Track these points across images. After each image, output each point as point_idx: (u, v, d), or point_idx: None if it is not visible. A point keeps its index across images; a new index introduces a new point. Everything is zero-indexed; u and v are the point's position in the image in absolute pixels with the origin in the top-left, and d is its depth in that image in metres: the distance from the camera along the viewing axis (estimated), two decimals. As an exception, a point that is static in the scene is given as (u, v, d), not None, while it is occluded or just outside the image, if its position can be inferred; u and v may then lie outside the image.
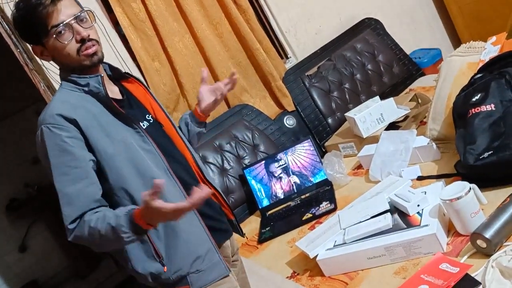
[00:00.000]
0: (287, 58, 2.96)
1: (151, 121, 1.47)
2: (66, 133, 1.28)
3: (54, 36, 1.31)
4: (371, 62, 2.91)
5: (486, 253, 1.28)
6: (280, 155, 2.31)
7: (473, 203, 1.38)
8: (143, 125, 1.43)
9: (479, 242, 1.29)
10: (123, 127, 1.36)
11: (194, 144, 1.68)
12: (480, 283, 1.19)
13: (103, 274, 3.99)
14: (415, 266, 1.41)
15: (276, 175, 2.29)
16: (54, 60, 1.38)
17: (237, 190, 2.35)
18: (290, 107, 2.71)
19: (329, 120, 2.71)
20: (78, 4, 1.39)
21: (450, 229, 1.47)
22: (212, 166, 2.36)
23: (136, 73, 2.43)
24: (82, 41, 1.33)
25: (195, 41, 2.54)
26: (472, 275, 1.23)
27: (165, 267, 1.34)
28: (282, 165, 2.29)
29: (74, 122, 1.29)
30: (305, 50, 2.92)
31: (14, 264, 4.08)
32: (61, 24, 1.31)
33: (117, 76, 1.50)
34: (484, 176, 1.55)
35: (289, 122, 2.69)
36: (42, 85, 2.17)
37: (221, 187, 2.32)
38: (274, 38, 2.91)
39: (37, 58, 2.17)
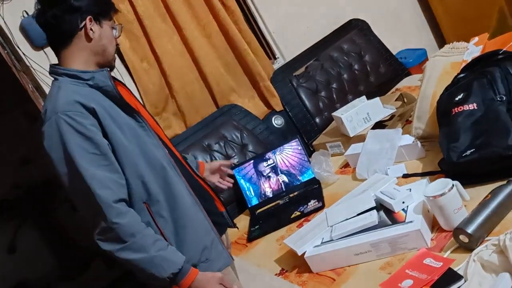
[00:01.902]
0: (275, 58, 2.99)
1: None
2: (88, 121, 1.29)
3: (114, 26, 1.44)
4: (358, 62, 2.95)
5: (468, 248, 1.32)
6: (269, 155, 2.33)
7: (456, 199, 1.42)
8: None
9: (461, 237, 1.32)
10: (130, 120, 1.39)
11: None
12: (462, 277, 1.22)
13: (93, 275, 3.98)
14: (400, 261, 1.45)
15: (264, 174, 2.31)
16: (90, 42, 1.38)
17: (226, 189, 2.36)
18: (278, 107, 2.74)
19: (317, 120, 2.74)
20: None
21: (434, 225, 1.50)
22: (201, 166, 2.37)
23: (124, 73, 2.44)
24: (117, 46, 1.48)
25: (183, 42, 2.56)
26: (455, 269, 1.27)
27: None
28: (271, 164, 2.32)
29: (92, 111, 1.30)
30: (292, 51, 2.95)
31: (2, 265, 4.05)
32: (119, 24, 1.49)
33: None
34: (466, 173, 1.59)
35: (277, 121, 2.72)
36: (30, 86, 2.17)
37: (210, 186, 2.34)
38: (262, 39, 2.93)
39: (25, 60, 2.19)
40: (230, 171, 1.91)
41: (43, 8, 1.38)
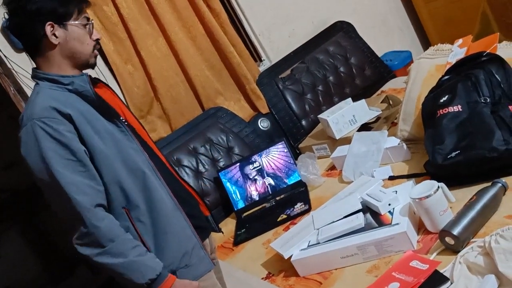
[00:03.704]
0: (260, 61, 2.98)
1: (125, 124, 1.46)
2: (63, 127, 1.27)
3: (83, 24, 1.36)
4: (344, 64, 2.95)
5: (454, 250, 1.32)
6: (255, 157, 2.32)
7: (442, 201, 1.42)
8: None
9: (447, 239, 1.32)
10: (110, 125, 1.36)
11: None
12: (448, 279, 1.22)
13: (78, 281, 3.94)
14: (387, 264, 1.44)
15: (251, 177, 2.30)
16: (56, 48, 1.34)
17: (213, 192, 2.36)
18: (264, 109, 2.73)
19: (303, 122, 2.74)
20: None
21: (420, 227, 1.50)
22: (187, 169, 2.35)
23: (109, 76, 2.41)
24: (97, 42, 1.41)
25: (168, 44, 2.54)
26: (441, 271, 1.26)
27: None
28: (257, 167, 2.31)
29: (68, 117, 1.28)
30: (278, 53, 2.95)
31: (-14, 271, 3.99)
32: (91, 19, 1.40)
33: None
34: (452, 175, 1.59)
35: (264, 124, 2.71)
36: (12, 89, 2.14)
37: (196, 189, 2.31)
38: (247, 41, 2.93)
39: (7, 62, 2.15)
40: None
41: (9, 16, 1.36)
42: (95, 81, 1.51)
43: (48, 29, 1.32)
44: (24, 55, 2.20)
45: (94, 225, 1.25)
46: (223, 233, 1.77)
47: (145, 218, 1.36)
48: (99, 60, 2.40)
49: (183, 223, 1.41)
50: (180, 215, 1.42)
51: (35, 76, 1.38)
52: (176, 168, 1.65)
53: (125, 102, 2.39)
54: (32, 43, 1.35)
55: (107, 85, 1.55)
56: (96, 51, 1.42)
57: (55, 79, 1.34)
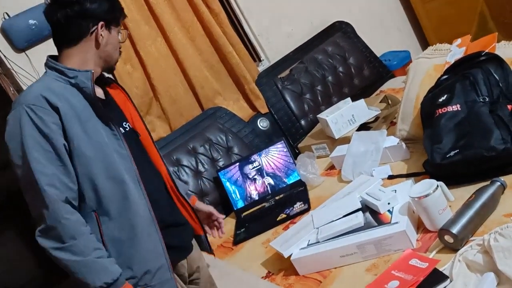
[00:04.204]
0: (259, 61, 2.99)
1: (127, 129, 1.47)
2: (49, 117, 1.27)
3: (120, 31, 1.45)
4: (342, 64, 2.96)
5: (453, 248, 1.32)
6: (254, 157, 2.33)
7: (441, 200, 1.42)
8: (120, 131, 1.42)
9: (446, 237, 1.33)
10: (102, 127, 1.36)
11: None
12: (447, 277, 1.22)
13: (74, 283, 3.93)
14: (386, 262, 1.45)
15: (250, 176, 2.31)
16: (98, 47, 1.40)
17: (212, 192, 2.36)
18: (264, 109, 2.73)
19: (302, 122, 2.75)
20: None
21: (419, 226, 1.51)
22: (186, 169, 2.36)
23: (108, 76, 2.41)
24: (120, 50, 1.48)
25: (167, 45, 2.54)
26: (440, 269, 1.27)
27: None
28: (256, 166, 2.31)
29: (56, 109, 1.28)
30: (277, 53, 2.95)
31: (-18, 273, 3.98)
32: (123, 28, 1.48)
33: (101, 79, 1.51)
34: (450, 174, 1.60)
35: (263, 124, 2.72)
36: (11, 89, 2.14)
37: (196, 189, 2.33)
38: (246, 41, 2.93)
39: (6, 62, 2.16)
40: (220, 220, 1.78)
41: (55, 5, 1.38)
42: (109, 81, 1.54)
43: (99, 28, 1.38)
44: (23, 55, 2.20)
45: (58, 220, 1.24)
46: (214, 255, 1.74)
47: (113, 225, 1.33)
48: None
49: (154, 241, 1.37)
50: (154, 231, 1.37)
51: (46, 64, 1.40)
52: (178, 183, 1.62)
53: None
54: (72, 36, 1.38)
55: (122, 88, 1.57)
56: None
57: (62, 70, 1.36)
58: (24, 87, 2.17)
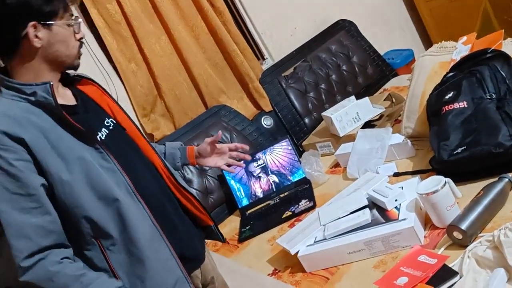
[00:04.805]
0: (263, 59, 2.99)
1: (111, 127, 1.32)
2: (13, 155, 1.10)
3: (69, 23, 1.20)
4: (346, 63, 2.96)
5: (462, 244, 1.32)
6: (259, 155, 2.33)
7: (449, 196, 1.42)
8: (102, 135, 1.27)
9: (455, 233, 1.33)
10: (78, 143, 1.18)
11: None
12: (457, 273, 1.22)
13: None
14: (394, 259, 1.45)
15: (255, 174, 2.31)
16: (38, 51, 1.17)
17: (216, 190, 2.36)
18: (267, 107, 2.73)
19: (306, 120, 2.75)
20: None
21: (427, 223, 1.51)
22: (191, 167, 2.35)
23: (112, 74, 2.41)
24: (81, 41, 1.26)
25: (171, 43, 2.54)
26: (450, 265, 1.27)
27: None
28: (261, 164, 2.31)
29: (21, 142, 1.11)
30: (281, 52, 2.95)
31: (-14, 272, 3.97)
32: (77, 17, 1.24)
33: (69, 79, 1.33)
34: (457, 171, 1.60)
35: (267, 122, 2.72)
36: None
37: (200, 187, 2.33)
38: (250, 40, 2.93)
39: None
40: (232, 150, 1.65)
41: None
42: (78, 79, 1.35)
43: (31, 30, 1.15)
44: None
45: (33, 279, 1.13)
46: (228, 243, 1.63)
47: (117, 248, 1.20)
48: (103, 58, 2.40)
49: (165, 254, 1.25)
50: (163, 244, 1.26)
51: (1, 82, 1.18)
52: (177, 173, 1.50)
53: (128, 101, 2.42)
54: (7, 44, 1.16)
55: (94, 81, 1.39)
56: (81, 51, 1.27)
57: (18, 88, 1.16)
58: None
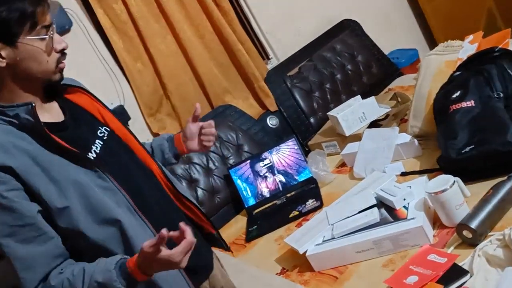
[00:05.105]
0: (268, 59, 2.99)
1: (105, 137, 1.24)
2: (2, 186, 1.04)
3: (41, 36, 1.08)
4: (351, 62, 2.96)
5: (472, 243, 1.32)
6: (265, 155, 2.33)
7: (458, 195, 1.42)
8: (96, 147, 1.20)
9: (465, 232, 1.33)
10: (71, 166, 1.11)
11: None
12: (467, 272, 1.22)
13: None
14: (403, 258, 1.45)
15: (261, 174, 2.31)
16: (10, 69, 1.08)
17: (223, 189, 2.36)
18: (273, 107, 2.73)
19: (311, 120, 2.75)
20: None
21: (435, 222, 1.51)
22: (197, 167, 2.36)
23: (119, 74, 2.42)
24: (63, 52, 1.14)
25: (177, 42, 2.55)
26: (459, 264, 1.27)
27: None
28: (267, 164, 2.31)
29: (8, 170, 1.04)
30: (286, 51, 2.96)
31: (-9, 272, 3.98)
32: (52, 26, 1.09)
33: (53, 91, 1.23)
34: (465, 170, 1.60)
35: (272, 122, 2.72)
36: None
37: (206, 187, 2.33)
38: (255, 39, 2.93)
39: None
40: (202, 125, 1.54)
41: None
42: (64, 88, 1.25)
43: None
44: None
45: None
46: (232, 252, 1.58)
47: None
48: (110, 58, 2.41)
49: (172, 271, 1.18)
50: None
51: None
52: (175, 179, 1.42)
53: (135, 102, 2.42)
54: None
55: (82, 88, 1.30)
56: (62, 64, 1.15)
57: (0, 110, 1.08)
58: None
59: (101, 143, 1.22)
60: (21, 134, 1.08)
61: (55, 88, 1.21)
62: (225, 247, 1.53)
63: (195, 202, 1.39)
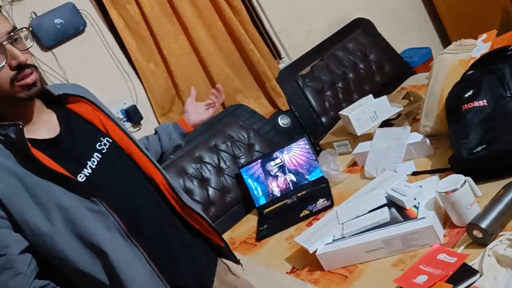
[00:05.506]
0: (280, 58, 3.00)
1: (104, 150, 1.19)
2: None
3: None
4: (363, 61, 2.95)
5: (482, 243, 1.31)
6: (276, 154, 2.33)
7: (469, 195, 1.41)
8: (93, 162, 1.15)
9: (475, 232, 1.32)
10: (59, 189, 1.06)
11: (162, 160, 1.52)
12: (477, 272, 1.22)
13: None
14: (413, 258, 1.45)
15: (272, 173, 2.31)
16: None
17: (234, 189, 2.38)
18: (284, 106, 2.74)
19: (323, 119, 2.75)
20: (8, 19, 1.10)
21: (446, 221, 1.50)
22: (208, 166, 2.38)
23: (132, 74, 2.44)
24: (19, 67, 1.04)
25: (189, 42, 2.57)
26: (469, 264, 1.26)
27: None
28: (278, 163, 2.32)
29: None
30: (297, 50, 2.96)
31: None
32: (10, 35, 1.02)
33: (53, 100, 1.20)
34: (477, 169, 1.59)
35: (284, 121, 2.73)
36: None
37: (217, 186, 2.35)
38: (267, 39, 2.94)
39: (34, 60, 2.20)
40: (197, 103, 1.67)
41: None
42: (63, 98, 1.21)
43: None
44: (50, 54, 2.24)
45: None
46: (242, 267, 1.51)
47: None
48: (123, 58, 2.44)
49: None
50: (160, 284, 1.15)
51: None
52: (181, 191, 1.34)
53: (148, 103, 2.44)
54: None
55: (82, 97, 1.24)
56: (26, 80, 1.04)
57: None
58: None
59: (99, 156, 1.17)
60: (8, 153, 1.04)
61: (50, 98, 1.18)
62: (234, 260, 1.46)
63: (202, 213, 1.34)
